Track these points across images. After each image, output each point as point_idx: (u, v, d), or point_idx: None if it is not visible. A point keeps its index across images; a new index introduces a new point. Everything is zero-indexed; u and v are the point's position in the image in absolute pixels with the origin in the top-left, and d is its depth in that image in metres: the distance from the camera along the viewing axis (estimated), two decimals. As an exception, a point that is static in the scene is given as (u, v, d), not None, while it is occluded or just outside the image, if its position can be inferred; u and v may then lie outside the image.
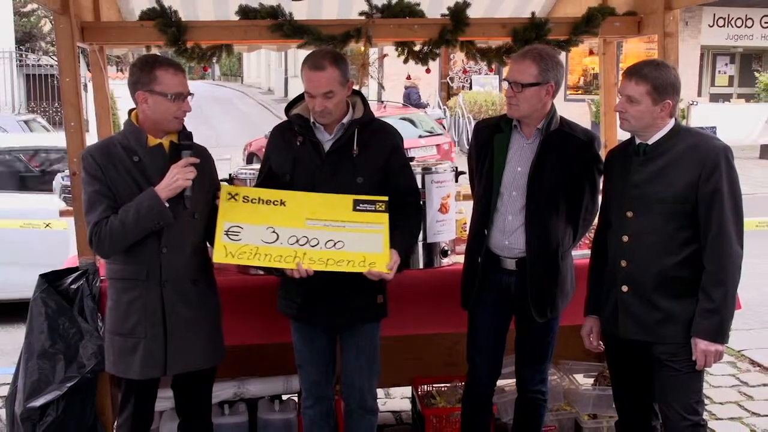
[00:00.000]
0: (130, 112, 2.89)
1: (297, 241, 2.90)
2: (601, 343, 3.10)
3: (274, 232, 2.91)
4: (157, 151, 2.84)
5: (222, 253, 2.87)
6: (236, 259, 2.89)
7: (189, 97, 2.85)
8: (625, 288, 2.87)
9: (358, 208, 2.94)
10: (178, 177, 2.77)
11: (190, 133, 2.90)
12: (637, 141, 2.88)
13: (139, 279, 2.83)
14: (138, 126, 2.84)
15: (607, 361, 3.19)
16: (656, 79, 2.75)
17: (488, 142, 3.16)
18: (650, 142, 2.84)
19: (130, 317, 2.84)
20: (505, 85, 3.07)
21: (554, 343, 3.28)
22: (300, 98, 3.11)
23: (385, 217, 2.95)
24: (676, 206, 2.75)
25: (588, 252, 3.26)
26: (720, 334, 2.74)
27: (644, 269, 2.82)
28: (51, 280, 3.39)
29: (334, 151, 2.99)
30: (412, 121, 14.80)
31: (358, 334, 3.09)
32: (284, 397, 3.91)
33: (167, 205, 2.76)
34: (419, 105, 18.46)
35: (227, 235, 2.90)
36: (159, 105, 2.78)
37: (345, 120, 3.01)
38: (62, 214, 4.38)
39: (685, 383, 2.83)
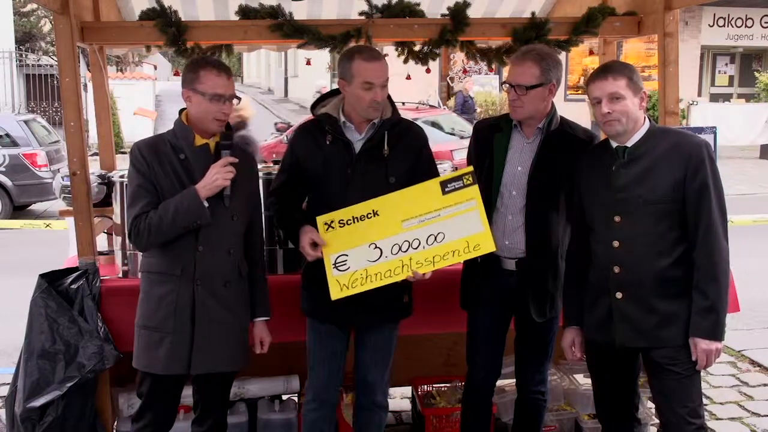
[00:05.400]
0: (181, 111, 2.94)
1: (400, 248, 2.90)
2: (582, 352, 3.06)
3: (376, 247, 2.91)
4: (203, 150, 2.87)
5: (337, 288, 2.89)
6: (351, 290, 2.89)
7: (235, 101, 2.87)
8: (619, 295, 2.80)
9: (447, 189, 2.93)
10: (217, 177, 2.79)
11: (231, 133, 2.94)
12: (614, 145, 2.83)
13: (173, 274, 2.85)
14: (187, 125, 2.88)
15: (590, 370, 3.14)
16: (629, 72, 2.76)
17: (488, 141, 3.16)
18: (629, 144, 2.80)
19: (159, 311, 2.86)
20: (505, 86, 3.07)
21: (554, 343, 3.27)
22: (324, 98, 3.13)
23: (475, 190, 2.92)
24: (665, 206, 2.73)
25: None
26: (719, 332, 2.72)
27: (639, 274, 2.77)
28: (51, 280, 3.39)
29: (365, 151, 2.98)
30: (437, 124, 13.16)
31: (379, 331, 3.11)
32: (284, 397, 3.91)
33: (206, 204, 2.79)
34: (472, 111, 17.33)
35: (336, 267, 2.91)
36: (199, 104, 2.82)
37: (376, 120, 3.02)
38: (62, 214, 4.38)
39: (688, 386, 2.80)
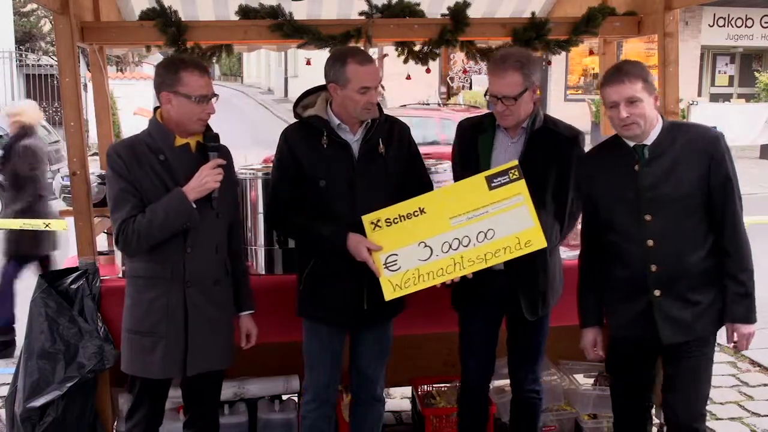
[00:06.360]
0: (155, 110, 2.89)
1: (450, 246, 2.88)
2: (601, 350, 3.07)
3: (426, 246, 2.89)
4: (184, 150, 2.84)
5: (390, 289, 2.88)
6: (404, 290, 2.88)
7: (213, 99, 2.84)
8: (657, 292, 2.82)
9: (493, 184, 2.89)
10: (207, 179, 2.78)
11: (217, 134, 2.91)
12: (631, 144, 2.83)
13: (163, 278, 2.82)
14: (163, 125, 2.84)
15: (611, 368, 3.14)
16: (642, 73, 2.76)
17: (472, 141, 3.14)
18: (648, 142, 2.81)
19: (150, 315, 2.83)
20: (487, 97, 3.02)
21: (545, 341, 3.27)
22: (302, 99, 3.11)
23: (522, 184, 2.88)
24: (691, 201, 2.76)
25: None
26: (753, 316, 2.83)
27: (676, 270, 2.80)
28: (51, 280, 3.39)
29: (366, 152, 2.99)
30: None
31: (377, 327, 3.12)
32: (284, 397, 3.91)
33: (194, 206, 2.77)
34: None
35: (387, 268, 2.89)
36: (183, 107, 2.78)
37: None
38: (62, 214, 4.38)
39: (707, 370, 2.89)
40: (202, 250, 2.86)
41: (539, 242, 2.86)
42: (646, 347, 2.93)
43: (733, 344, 2.87)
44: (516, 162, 2.92)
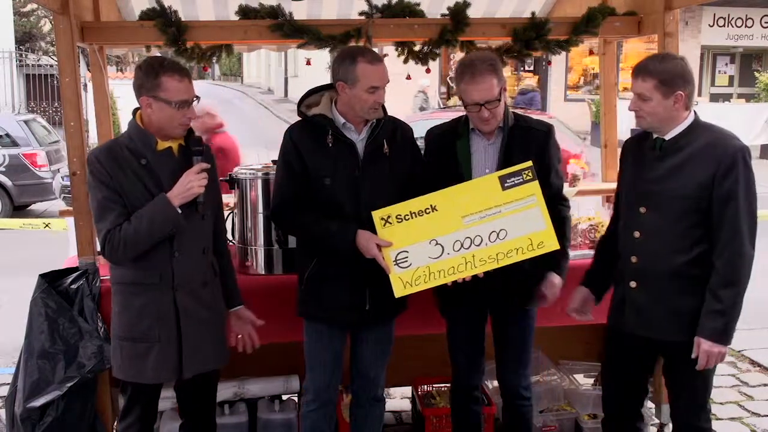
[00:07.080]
0: (134, 112, 2.84)
1: (462, 245, 2.87)
2: (588, 314, 3.11)
3: (437, 244, 2.89)
4: (166, 154, 2.80)
5: (400, 285, 2.88)
6: (415, 287, 2.88)
7: (195, 102, 2.80)
8: (633, 284, 2.83)
9: (506, 185, 2.89)
10: (192, 184, 2.75)
11: (200, 137, 2.88)
12: (654, 135, 2.83)
13: (152, 283, 2.79)
14: (144, 129, 2.79)
15: (605, 356, 3.15)
16: (662, 73, 2.71)
17: (448, 147, 3.11)
18: (667, 137, 2.79)
19: (142, 321, 2.81)
20: (469, 107, 2.98)
21: (533, 341, 3.25)
22: (305, 97, 3.10)
23: (536, 185, 2.88)
24: (691, 204, 2.71)
25: (587, 252, 3.22)
26: (725, 336, 2.69)
27: (655, 266, 2.78)
28: (51, 280, 3.39)
29: (371, 152, 2.98)
30: None
31: (379, 327, 3.12)
32: (284, 397, 3.91)
33: (180, 211, 2.74)
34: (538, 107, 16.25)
35: (397, 264, 2.89)
36: (163, 111, 2.73)
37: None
38: (62, 214, 4.38)
39: (704, 379, 2.83)
40: (190, 253, 2.84)
41: (551, 244, 2.86)
42: (633, 341, 2.90)
43: (694, 358, 2.71)
44: (530, 163, 2.91)
